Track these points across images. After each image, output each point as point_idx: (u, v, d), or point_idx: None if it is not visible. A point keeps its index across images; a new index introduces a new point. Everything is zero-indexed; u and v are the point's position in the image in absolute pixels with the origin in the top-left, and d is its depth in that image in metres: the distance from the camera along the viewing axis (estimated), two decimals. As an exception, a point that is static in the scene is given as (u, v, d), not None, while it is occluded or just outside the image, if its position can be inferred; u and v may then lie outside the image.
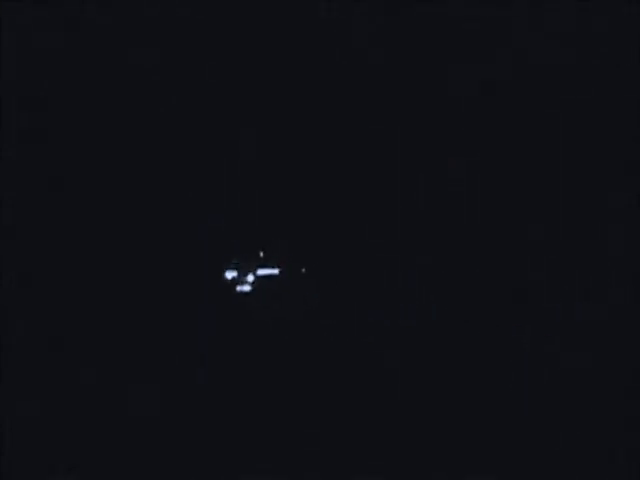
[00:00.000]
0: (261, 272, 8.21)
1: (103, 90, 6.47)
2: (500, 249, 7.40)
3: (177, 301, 7.60)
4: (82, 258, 6.99)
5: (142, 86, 6.42)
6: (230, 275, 8.12)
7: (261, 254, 8.14)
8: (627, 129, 7.10)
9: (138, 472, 6.33)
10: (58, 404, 6.91)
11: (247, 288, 8.13)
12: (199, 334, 7.58)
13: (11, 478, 6.24)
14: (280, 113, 6.76)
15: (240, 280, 8.10)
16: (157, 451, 6.56)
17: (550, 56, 6.73)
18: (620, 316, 7.37)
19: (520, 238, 7.34)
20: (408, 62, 6.73)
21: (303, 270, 8.18)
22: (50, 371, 7.00)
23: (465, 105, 6.88)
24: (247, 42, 6.43)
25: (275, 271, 8.21)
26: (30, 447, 6.46)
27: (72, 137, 6.57)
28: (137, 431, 6.76)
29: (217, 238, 7.63)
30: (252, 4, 6.34)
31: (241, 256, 8.09)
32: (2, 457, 6.37)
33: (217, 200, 7.26)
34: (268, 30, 6.49)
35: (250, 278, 8.13)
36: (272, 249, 8.09)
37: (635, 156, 7.15)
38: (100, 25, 6.23)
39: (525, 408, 7.02)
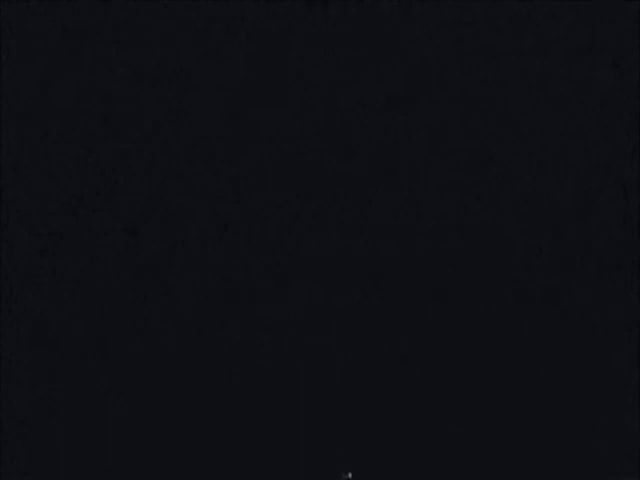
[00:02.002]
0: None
1: (102, 90, 6.77)
2: (500, 249, 7.42)
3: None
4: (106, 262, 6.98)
5: (142, 86, 6.68)
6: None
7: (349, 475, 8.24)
8: (627, 129, 7.23)
9: (138, 472, 6.33)
10: (58, 403, 6.87)
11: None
12: None
13: (11, 478, 6.23)
14: (287, 118, 6.89)
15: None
16: (157, 451, 6.53)
17: (550, 56, 6.99)
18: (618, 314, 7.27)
19: (520, 237, 7.37)
20: (408, 62, 7.04)
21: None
22: (50, 371, 6.95)
23: (465, 105, 7.14)
24: (247, 42, 6.74)
25: None
26: (30, 446, 6.46)
27: (72, 137, 6.84)
28: (137, 431, 6.74)
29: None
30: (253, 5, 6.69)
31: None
32: (2, 457, 6.40)
33: None
34: (268, 29, 6.80)
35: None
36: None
37: (634, 155, 7.23)
38: (100, 25, 6.59)
39: (524, 406, 6.95)
